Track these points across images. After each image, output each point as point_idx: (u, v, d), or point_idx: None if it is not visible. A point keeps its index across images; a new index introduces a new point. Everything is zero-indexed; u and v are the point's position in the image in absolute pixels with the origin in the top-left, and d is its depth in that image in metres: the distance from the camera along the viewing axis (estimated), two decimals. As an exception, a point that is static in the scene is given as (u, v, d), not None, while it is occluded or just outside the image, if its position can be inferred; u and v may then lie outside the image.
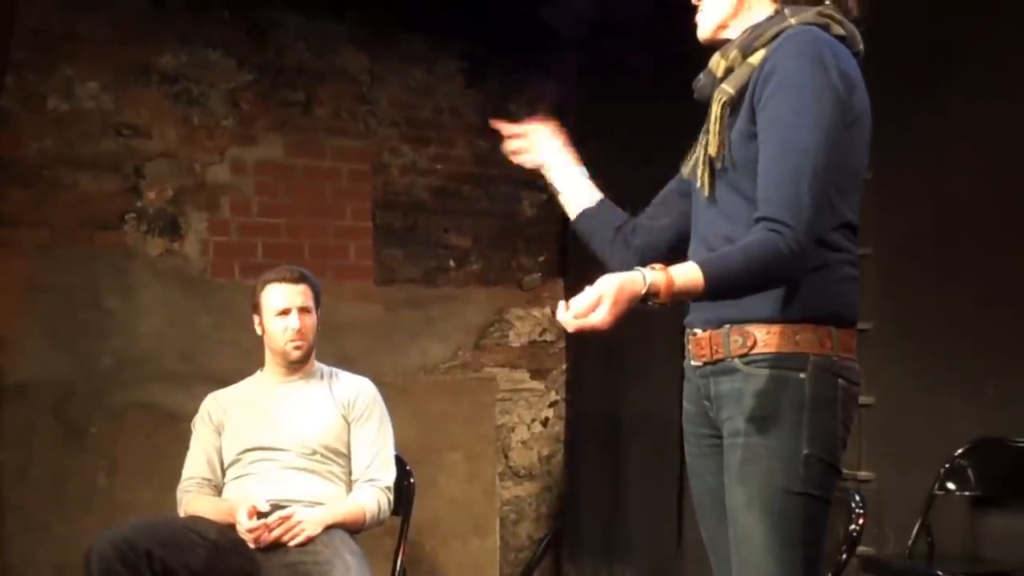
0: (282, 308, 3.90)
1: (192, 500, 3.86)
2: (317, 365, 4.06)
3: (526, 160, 2.86)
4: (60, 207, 4.65)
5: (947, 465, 4.08)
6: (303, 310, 3.91)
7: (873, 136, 4.39)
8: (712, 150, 2.34)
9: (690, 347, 2.45)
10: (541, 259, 5.90)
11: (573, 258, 5.86)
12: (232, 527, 3.67)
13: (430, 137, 5.57)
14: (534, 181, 5.77)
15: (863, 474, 4.48)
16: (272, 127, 5.15)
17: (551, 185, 2.84)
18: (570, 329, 2.13)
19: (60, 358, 4.61)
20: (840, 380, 2.31)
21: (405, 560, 4.06)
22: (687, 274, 2.14)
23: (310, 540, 3.64)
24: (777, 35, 2.30)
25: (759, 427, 2.28)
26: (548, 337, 5.89)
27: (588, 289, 2.12)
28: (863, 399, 4.46)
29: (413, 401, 5.18)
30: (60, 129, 4.67)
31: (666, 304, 2.17)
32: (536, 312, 5.89)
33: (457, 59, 5.63)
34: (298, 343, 3.91)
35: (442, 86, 5.61)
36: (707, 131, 2.36)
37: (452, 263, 5.63)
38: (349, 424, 3.96)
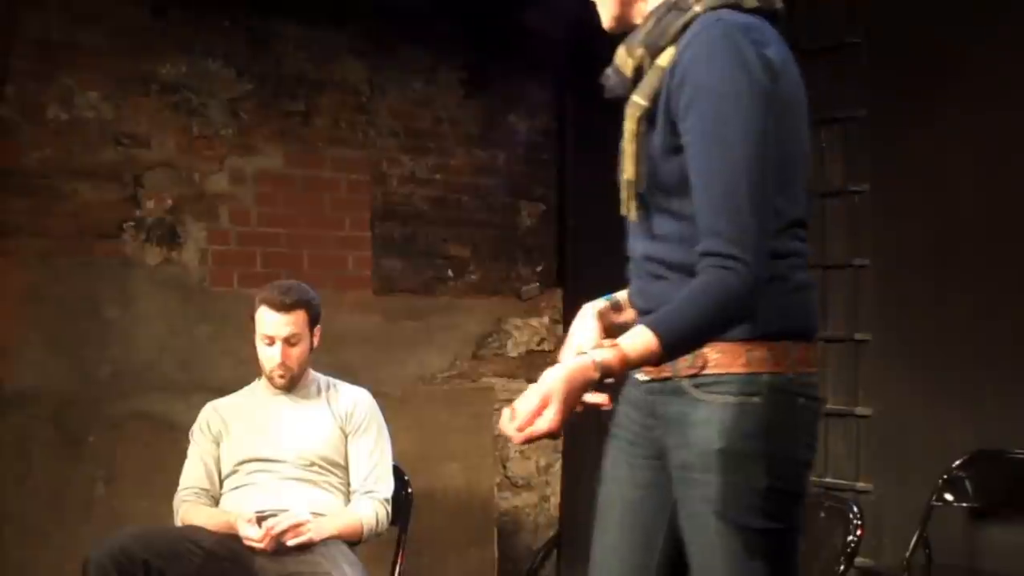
0: (267, 336, 3.90)
1: (189, 510, 3.87)
2: (314, 376, 4.06)
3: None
4: (59, 216, 4.66)
5: (945, 476, 4.07)
6: (288, 342, 3.89)
7: (871, 147, 4.40)
8: (629, 174, 2.15)
9: None
10: (539, 269, 5.90)
11: (571, 268, 5.87)
12: (230, 537, 3.67)
13: (429, 147, 5.57)
14: (533, 191, 5.83)
15: (861, 485, 4.48)
16: (272, 137, 5.16)
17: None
18: (516, 442, 1.96)
19: (59, 367, 4.61)
20: (800, 399, 2.14)
21: (403, 571, 4.06)
22: (639, 342, 1.98)
23: (309, 547, 3.64)
24: (684, 28, 2.09)
25: (713, 461, 2.08)
26: (546, 347, 5.88)
27: (531, 388, 1.94)
28: (861, 410, 4.50)
29: (411, 411, 5.18)
30: (60, 138, 4.67)
31: (623, 380, 2.02)
32: (534, 322, 5.89)
33: (457, 70, 5.64)
34: (280, 373, 3.92)
35: (441, 96, 5.62)
36: (622, 151, 2.17)
37: (451, 273, 5.63)
38: (347, 436, 3.97)
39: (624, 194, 2.19)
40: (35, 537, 4.49)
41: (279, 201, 5.16)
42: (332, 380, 4.10)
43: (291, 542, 3.63)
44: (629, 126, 2.14)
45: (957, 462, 4.07)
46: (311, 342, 3.97)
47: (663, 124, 2.10)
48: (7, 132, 4.57)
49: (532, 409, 1.93)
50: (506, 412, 1.96)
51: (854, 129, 4.56)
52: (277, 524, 3.63)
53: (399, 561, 4.10)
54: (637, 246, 2.24)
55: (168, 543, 3.62)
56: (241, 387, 4.14)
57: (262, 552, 3.63)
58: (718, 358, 2.10)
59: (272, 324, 3.88)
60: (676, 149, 2.08)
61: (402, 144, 5.51)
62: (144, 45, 4.86)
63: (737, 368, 2.10)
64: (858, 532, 3.25)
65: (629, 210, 2.19)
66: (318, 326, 3.99)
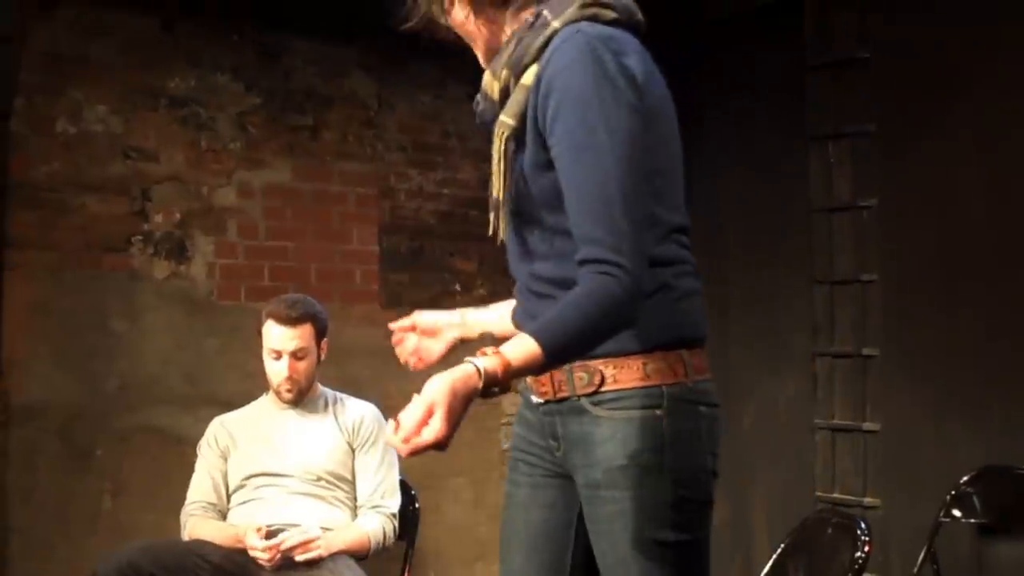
0: (274, 350, 3.91)
1: (197, 524, 3.87)
2: (321, 390, 4.07)
3: (436, 356, 2.63)
4: (68, 230, 4.67)
5: (953, 492, 4.06)
6: (295, 355, 3.90)
7: (879, 162, 4.39)
8: (498, 192, 2.15)
9: (528, 381, 2.23)
10: (547, 284, 5.90)
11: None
12: (237, 551, 3.67)
13: (437, 162, 5.58)
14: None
15: (869, 500, 4.48)
16: (280, 151, 5.16)
17: (477, 339, 2.55)
18: (403, 455, 1.93)
19: (66, 380, 4.62)
20: (701, 407, 2.12)
21: (410, 585, 4.06)
22: (522, 350, 1.94)
23: (316, 561, 3.64)
24: (545, 45, 2.08)
25: (620, 477, 2.07)
26: (554, 362, 5.87)
27: (415, 399, 1.91)
28: (869, 426, 4.50)
29: (418, 425, 5.17)
30: (68, 152, 4.68)
31: (508, 389, 1.96)
32: (542, 337, 5.88)
33: (465, 84, 5.63)
34: (287, 387, 3.93)
35: (449, 111, 5.62)
36: (493, 171, 2.16)
37: (458, 287, 5.63)
38: (354, 450, 3.97)
39: (493, 214, 2.19)
40: (42, 550, 4.49)
41: (287, 215, 5.17)
42: (339, 394, 4.10)
43: (300, 557, 3.63)
44: (497, 145, 2.13)
45: (965, 478, 4.06)
46: (318, 356, 3.98)
47: (533, 141, 2.09)
48: (16, 145, 4.58)
49: (417, 420, 1.90)
50: (390, 423, 1.94)
51: (862, 144, 4.56)
52: (287, 539, 3.63)
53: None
54: (520, 266, 2.24)
55: (175, 557, 3.62)
56: (248, 401, 4.15)
57: (269, 567, 3.62)
58: (615, 373, 2.09)
59: (279, 338, 3.89)
60: (548, 165, 2.06)
61: (410, 158, 5.52)
62: (153, 59, 4.88)
63: (636, 382, 2.08)
64: (865, 548, 3.25)
65: (500, 230, 2.20)
66: (325, 340, 3.99)
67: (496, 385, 1.93)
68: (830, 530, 3.54)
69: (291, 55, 5.20)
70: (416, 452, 1.91)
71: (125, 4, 4.80)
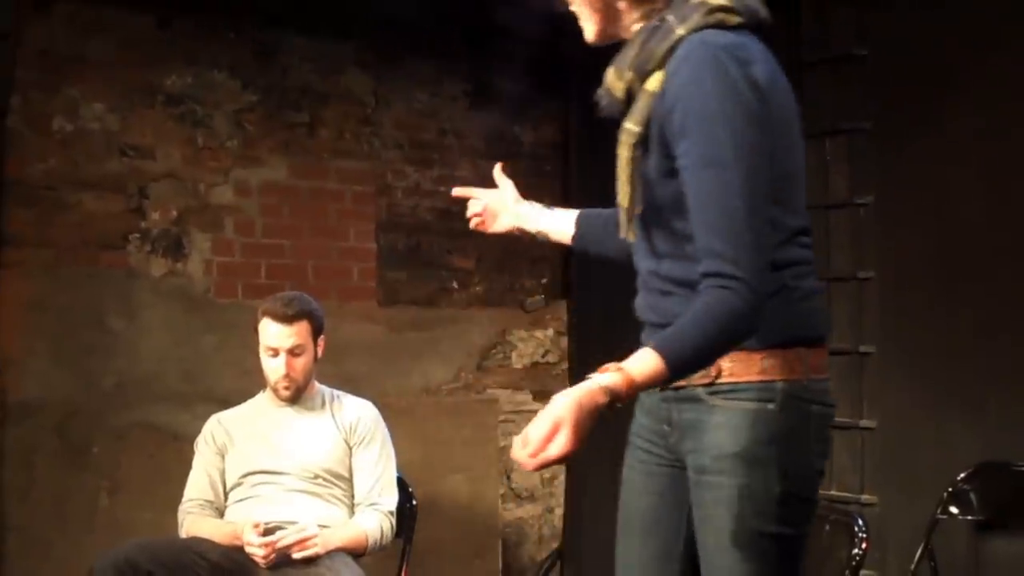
0: (271, 348, 3.91)
1: (194, 521, 3.87)
2: (319, 388, 4.07)
3: (493, 227, 2.79)
4: (64, 227, 4.66)
5: (950, 489, 4.06)
6: (292, 352, 3.90)
7: (876, 159, 4.39)
8: (624, 201, 2.19)
9: None
10: (544, 281, 5.90)
11: (576, 280, 5.87)
12: (235, 549, 3.67)
13: (434, 159, 5.58)
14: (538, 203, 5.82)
15: (866, 498, 4.48)
16: (276, 148, 5.16)
17: (533, 235, 2.77)
18: (529, 469, 1.99)
19: (63, 378, 4.61)
20: (814, 406, 2.18)
21: (407, 582, 4.06)
22: (645, 366, 2.00)
23: (313, 559, 3.64)
24: (670, 51, 2.11)
25: (728, 465, 2.13)
26: (550, 359, 5.89)
27: (541, 415, 1.96)
28: (866, 423, 4.50)
29: (415, 422, 5.18)
30: (65, 150, 4.68)
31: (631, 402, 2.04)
32: (539, 334, 5.89)
33: (461, 82, 5.65)
34: (284, 384, 3.93)
35: (446, 108, 5.62)
36: (619, 178, 2.20)
37: (455, 284, 5.63)
38: (351, 448, 3.97)
39: (622, 218, 2.23)
40: (39, 547, 4.49)
41: (284, 212, 5.17)
42: (336, 392, 4.10)
43: (297, 555, 3.63)
44: (623, 153, 2.17)
45: (962, 475, 4.06)
46: (315, 353, 3.97)
47: (657, 148, 2.13)
48: (12, 143, 4.58)
49: (544, 435, 1.94)
50: (517, 440, 1.98)
51: (859, 141, 4.56)
52: (284, 537, 3.63)
53: (403, 573, 4.10)
54: (645, 262, 2.28)
55: (173, 554, 3.62)
56: (245, 398, 4.15)
57: (265, 564, 3.62)
58: (732, 367, 2.15)
59: (275, 336, 3.89)
60: (671, 172, 2.11)
61: (407, 156, 5.52)
62: (150, 56, 4.87)
63: (752, 376, 2.14)
64: (863, 545, 3.24)
65: (628, 233, 2.24)
66: (322, 336, 3.99)
67: (620, 401, 2.00)
68: (827, 527, 3.53)
69: (288, 52, 5.20)
70: (543, 466, 1.98)
71: (122, 1, 4.80)
